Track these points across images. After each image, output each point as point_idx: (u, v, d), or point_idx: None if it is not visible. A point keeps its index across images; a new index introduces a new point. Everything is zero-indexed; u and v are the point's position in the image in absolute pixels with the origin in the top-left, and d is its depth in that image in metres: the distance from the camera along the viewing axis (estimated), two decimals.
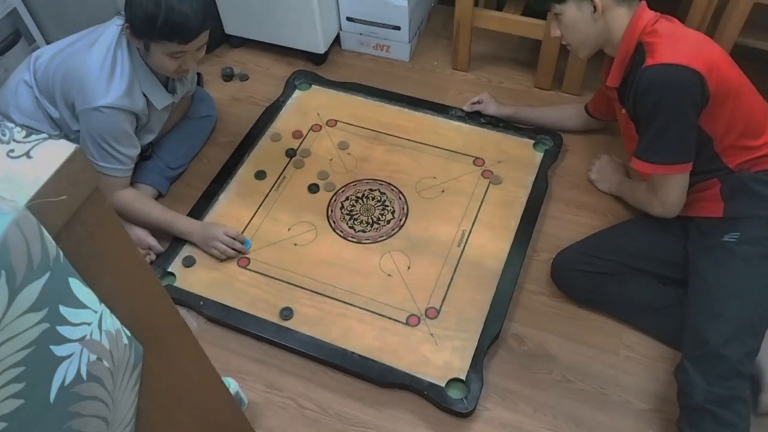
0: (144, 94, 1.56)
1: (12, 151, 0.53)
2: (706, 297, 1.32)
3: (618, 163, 1.76)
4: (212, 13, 1.49)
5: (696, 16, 1.72)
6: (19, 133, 0.54)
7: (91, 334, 0.59)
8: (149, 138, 1.71)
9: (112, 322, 0.62)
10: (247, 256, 1.64)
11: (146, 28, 1.42)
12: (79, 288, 0.56)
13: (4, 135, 0.54)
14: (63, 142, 0.53)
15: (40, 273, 0.51)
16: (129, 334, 0.66)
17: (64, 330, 0.55)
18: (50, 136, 0.53)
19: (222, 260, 1.63)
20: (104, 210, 0.59)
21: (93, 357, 0.60)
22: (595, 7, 1.36)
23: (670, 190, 1.39)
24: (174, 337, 0.82)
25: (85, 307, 0.57)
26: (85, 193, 0.55)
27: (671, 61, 1.27)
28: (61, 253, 0.53)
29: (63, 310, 0.55)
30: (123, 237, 0.64)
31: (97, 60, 1.48)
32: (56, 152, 0.52)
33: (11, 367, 0.51)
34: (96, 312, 0.59)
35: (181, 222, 1.65)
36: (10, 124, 0.54)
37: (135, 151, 1.60)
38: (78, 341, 0.57)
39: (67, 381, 0.57)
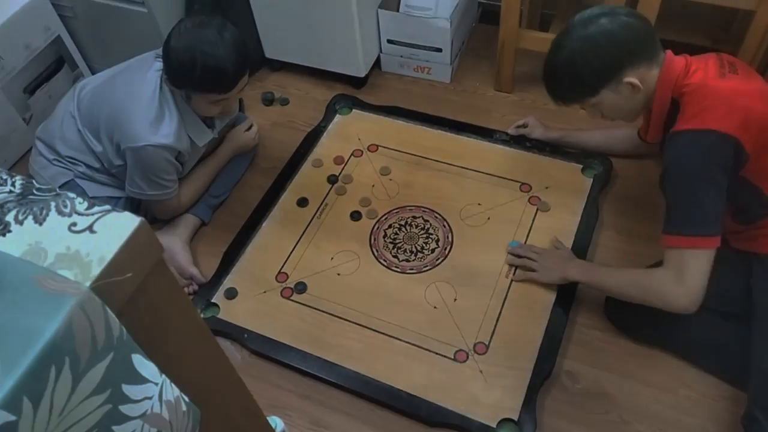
0: (188, 134, 1.58)
1: (74, 224, 0.50)
2: None
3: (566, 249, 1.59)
4: (249, 54, 1.50)
5: (752, 44, 1.64)
6: (81, 205, 0.52)
7: (152, 408, 0.56)
8: (188, 169, 1.72)
9: (171, 391, 0.60)
10: (290, 286, 1.62)
11: (184, 81, 1.46)
12: (141, 363, 0.54)
13: (66, 207, 0.51)
14: (127, 214, 0.50)
15: (104, 354, 0.49)
16: (187, 399, 0.63)
17: (126, 408, 0.53)
18: (113, 208, 0.51)
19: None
20: (167, 279, 0.56)
21: (153, 431, 0.57)
22: (632, 85, 1.29)
23: (696, 271, 1.22)
24: (228, 394, 0.79)
25: (146, 381, 0.55)
26: (150, 266, 0.52)
27: (700, 126, 1.20)
28: (125, 330, 0.51)
29: (125, 388, 0.52)
30: (183, 301, 0.62)
31: (144, 101, 1.49)
32: (121, 226, 0.50)
33: None
34: (157, 384, 0.57)
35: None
36: (72, 195, 0.52)
37: (178, 173, 1.64)
38: (139, 417, 0.55)
39: None
